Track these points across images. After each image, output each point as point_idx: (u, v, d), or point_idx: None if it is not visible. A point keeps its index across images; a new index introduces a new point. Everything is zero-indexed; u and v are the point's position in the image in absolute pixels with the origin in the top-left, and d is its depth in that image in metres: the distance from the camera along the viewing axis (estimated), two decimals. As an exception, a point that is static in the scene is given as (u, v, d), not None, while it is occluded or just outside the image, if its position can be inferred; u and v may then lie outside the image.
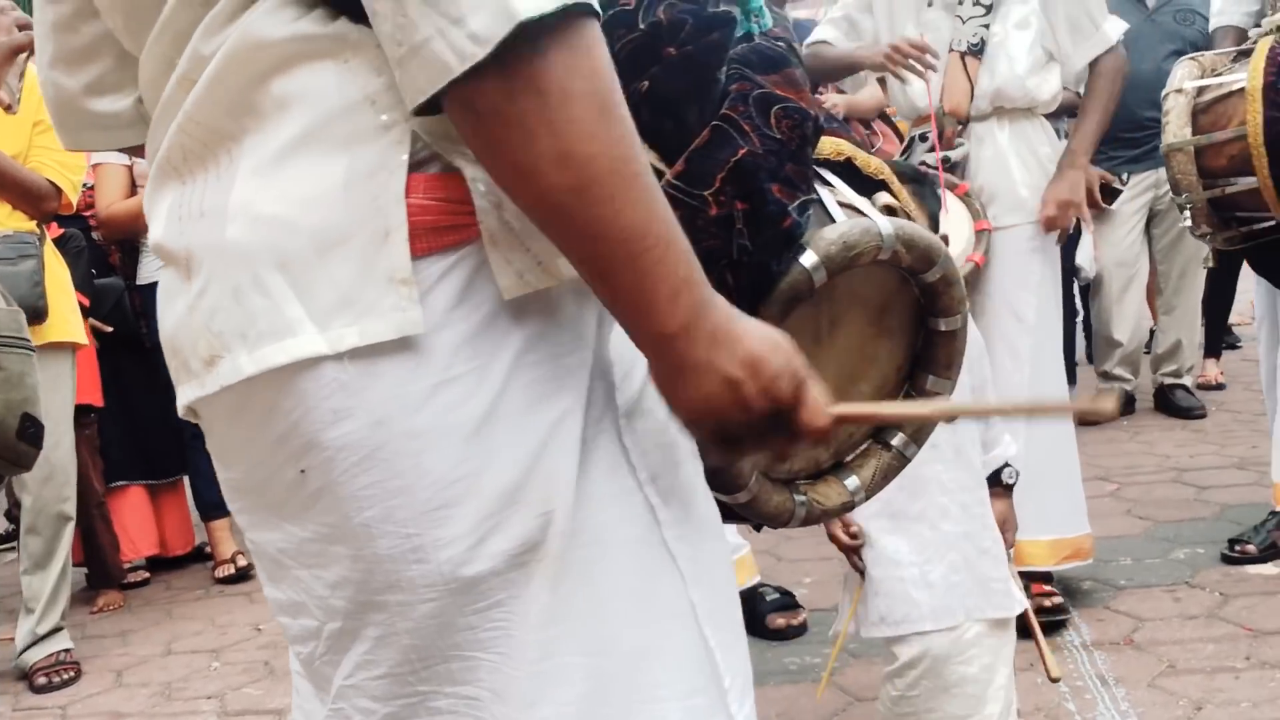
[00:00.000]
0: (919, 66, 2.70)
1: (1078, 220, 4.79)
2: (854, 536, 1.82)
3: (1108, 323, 4.83)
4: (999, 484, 1.91)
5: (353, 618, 0.90)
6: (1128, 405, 4.94)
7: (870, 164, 1.20)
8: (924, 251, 1.12)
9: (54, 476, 3.17)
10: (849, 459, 1.23)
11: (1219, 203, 2.68)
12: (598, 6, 0.76)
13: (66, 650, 3.19)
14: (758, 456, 1.13)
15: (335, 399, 0.83)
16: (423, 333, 0.82)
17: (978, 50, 2.75)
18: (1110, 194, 4.63)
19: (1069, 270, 4.93)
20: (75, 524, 3.35)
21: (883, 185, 1.21)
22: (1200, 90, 2.71)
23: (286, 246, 0.82)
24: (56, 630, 3.20)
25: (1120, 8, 4.60)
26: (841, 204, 1.15)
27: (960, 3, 2.76)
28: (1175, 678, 2.33)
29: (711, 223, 0.99)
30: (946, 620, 1.79)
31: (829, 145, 1.17)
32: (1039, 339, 2.70)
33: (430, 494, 0.84)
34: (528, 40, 0.72)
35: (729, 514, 1.16)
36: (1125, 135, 4.36)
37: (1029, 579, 2.70)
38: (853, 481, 1.21)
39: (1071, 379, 5.03)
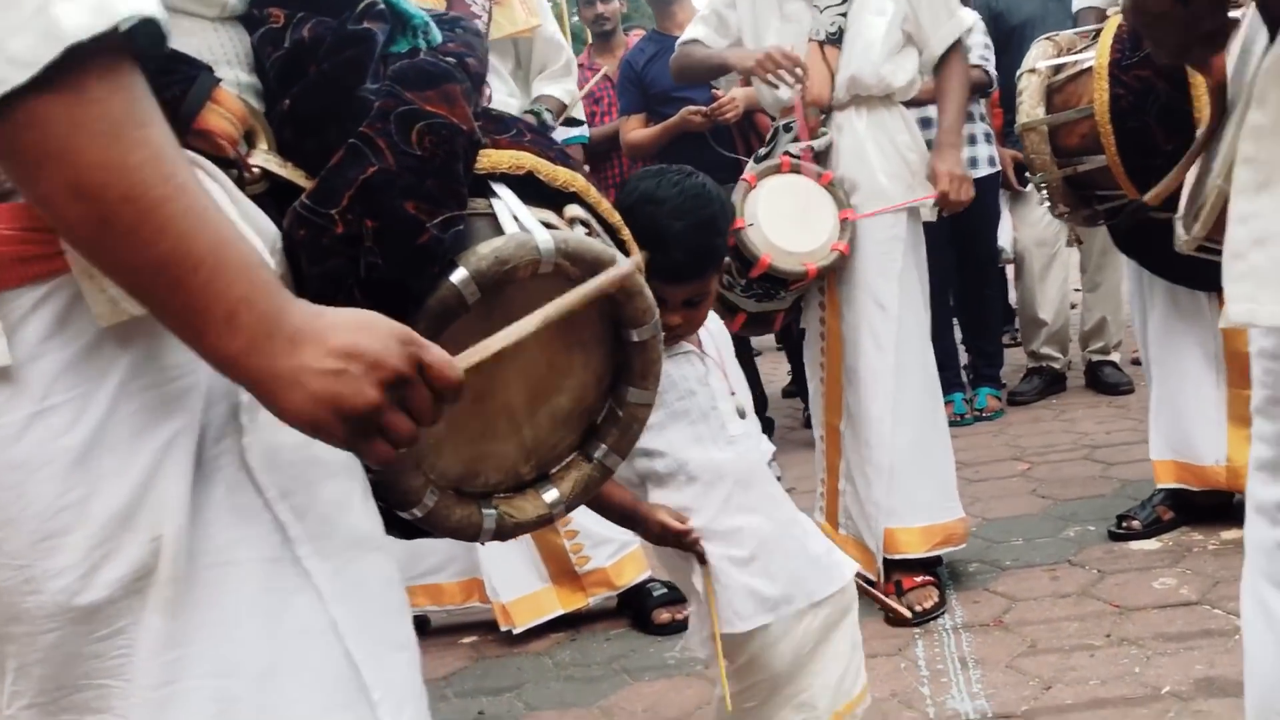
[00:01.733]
0: (788, 77, 2.71)
1: (998, 202, 4.83)
2: (686, 524, 1.78)
3: (1031, 303, 4.84)
4: None
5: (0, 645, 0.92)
6: (1057, 383, 4.95)
7: (558, 176, 1.20)
8: (593, 263, 1.13)
9: None
10: (553, 472, 1.24)
11: (1075, 181, 2.69)
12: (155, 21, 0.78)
13: None
14: (429, 468, 1.14)
15: None
16: (12, 364, 0.83)
17: (835, 39, 2.76)
18: (1025, 174, 4.62)
19: (994, 252, 4.95)
20: None
21: (574, 197, 1.22)
22: (1057, 69, 2.71)
23: None
24: None
25: (1025, -11, 4.63)
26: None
27: (818, -8, 2.77)
28: (1033, 658, 2.34)
29: (338, 241, 0.99)
30: (786, 609, 1.80)
31: (508, 158, 1.16)
32: (903, 326, 2.70)
33: (36, 525, 0.85)
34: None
35: (412, 529, 1.17)
36: (1036, 114, 4.35)
37: (901, 571, 2.72)
38: (552, 494, 1.22)
39: (1000, 360, 5.05)
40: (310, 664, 0.93)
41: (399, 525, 1.20)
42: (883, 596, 1.95)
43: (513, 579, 2.93)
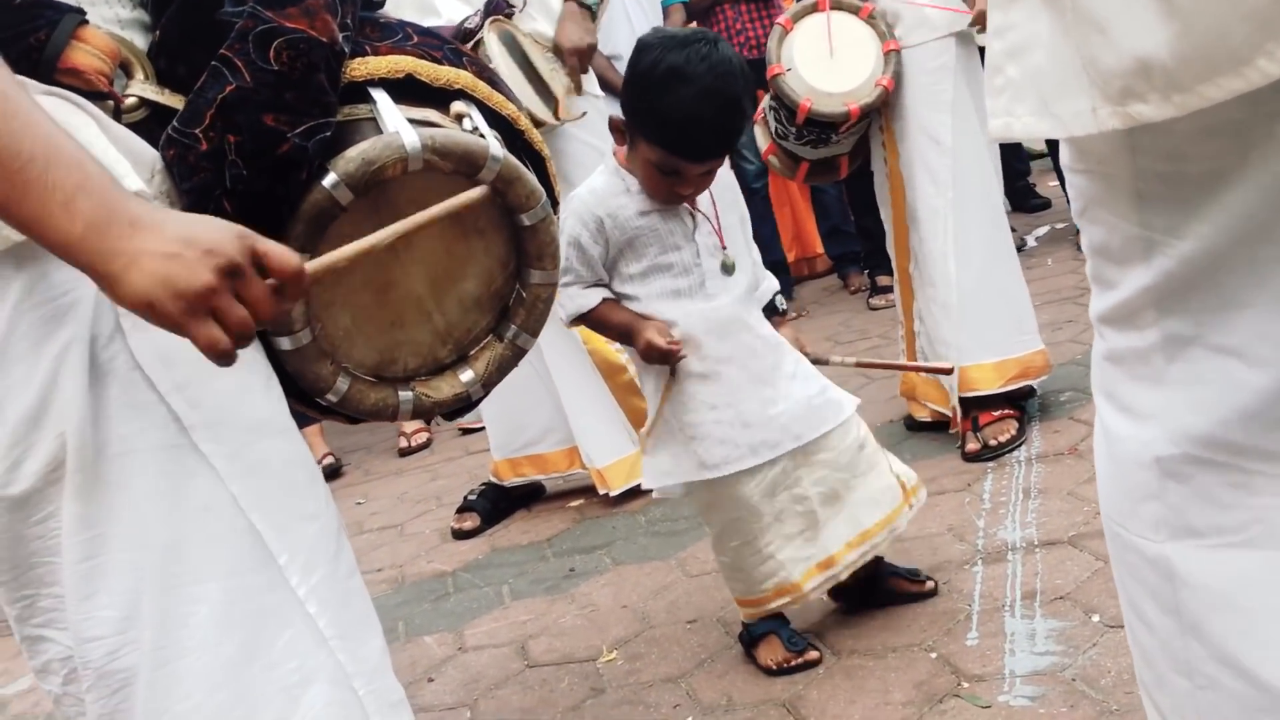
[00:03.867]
0: None
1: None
2: (673, 343, 1.85)
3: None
4: (776, 313, 2.00)
5: None
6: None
7: (440, 75, 1.25)
8: (463, 157, 1.18)
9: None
10: (471, 353, 1.33)
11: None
12: None
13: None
14: (343, 358, 1.24)
15: None
16: None
17: None
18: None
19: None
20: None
21: (460, 94, 1.27)
22: None
23: None
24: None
25: None
26: (413, 120, 1.21)
27: None
28: (1094, 484, 2.29)
29: (203, 157, 1.09)
30: (768, 454, 1.87)
31: (386, 64, 1.22)
32: (959, 161, 2.61)
33: None
34: None
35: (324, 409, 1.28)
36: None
37: (979, 407, 2.69)
38: (468, 374, 1.31)
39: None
40: (214, 535, 1.06)
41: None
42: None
43: (605, 445, 3.06)
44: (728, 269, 1.90)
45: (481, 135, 1.23)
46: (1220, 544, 0.86)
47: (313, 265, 1.01)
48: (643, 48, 1.83)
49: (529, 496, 3.33)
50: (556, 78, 2.84)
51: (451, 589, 2.80)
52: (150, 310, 0.91)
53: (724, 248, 1.90)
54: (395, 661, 1.19)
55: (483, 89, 1.29)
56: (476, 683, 2.23)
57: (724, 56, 1.78)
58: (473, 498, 3.30)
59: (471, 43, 2.70)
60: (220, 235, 0.93)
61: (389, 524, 3.52)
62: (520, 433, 3.19)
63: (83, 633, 1.03)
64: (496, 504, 3.26)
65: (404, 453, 4.43)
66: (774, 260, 5.24)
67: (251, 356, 1.14)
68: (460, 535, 3.17)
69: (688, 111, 1.76)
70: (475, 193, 1.15)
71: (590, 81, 3.05)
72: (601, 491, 3.07)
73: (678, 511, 2.89)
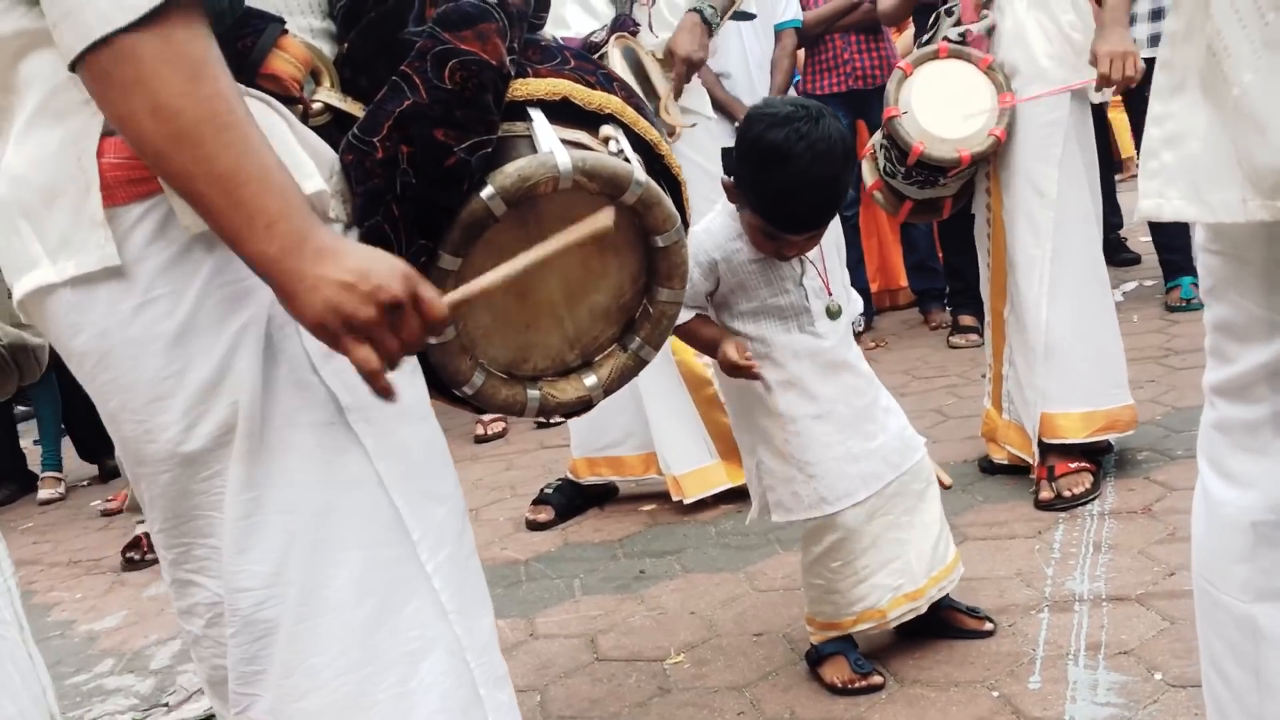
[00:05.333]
0: None
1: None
2: (748, 358, 1.94)
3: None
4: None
5: (136, 483, 1.21)
6: None
7: (593, 100, 1.34)
8: (609, 179, 1.27)
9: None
10: (596, 360, 1.42)
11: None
12: None
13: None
14: (481, 354, 1.34)
15: (70, 316, 1.13)
16: (122, 264, 1.09)
17: (999, -84, 2.69)
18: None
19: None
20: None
21: (610, 119, 1.36)
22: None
23: (27, 199, 1.11)
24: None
25: None
26: (565, 141, 1.30)
27: None
28: (1167, 545, 2.34)
29: (378, 164, 1.19)
30: (876, 484, 1.97)
31: (545, 86, 1.32)
32: (1062, 213, 2.65)
33: (149, 389, 1.12)
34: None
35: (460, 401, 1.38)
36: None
37: (1056, 456, 2.73)
38: (591, 379, 1.40)
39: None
40: (359, 507, 1.16)
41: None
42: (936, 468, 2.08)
43: (684, 454, 3.15)
44: (832, 314, 1.98)
45: (627, 159, 1.31)
46: None
47: (449, 300, 1.11)
48: (750, 119, 1.89)
49: (603, 496, 3.43)
50: (674, 98, 2.93)
51: (524, 577, 2.90)
52: (320, 329, 1.04)
53: (830, 294, 1.99)
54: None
55: (630, 114, 1.37)
56: (547, 669, 2.32)
57: (824, 134, 1.80)
58: (549, 491, 3.40)
59: (595, 56, 2.81)
60: (390, 273, 1.03)
61: (465, 508, 3.63)
62: (602, 434, 3.29)
63: (235, 583, 1.13)
64: (571, 500, 3.37)
65: (480, 440, 4.55)
66: (857, 288, 5.28)
67: None
68: (534, 526, 3.28)
69: (785, 189, 1.83)
70: (602, 219, 1.22)
71: (703, 101, 3.15)
72: (675, 498, 3.16)
73: (749, 526, 2.96)
